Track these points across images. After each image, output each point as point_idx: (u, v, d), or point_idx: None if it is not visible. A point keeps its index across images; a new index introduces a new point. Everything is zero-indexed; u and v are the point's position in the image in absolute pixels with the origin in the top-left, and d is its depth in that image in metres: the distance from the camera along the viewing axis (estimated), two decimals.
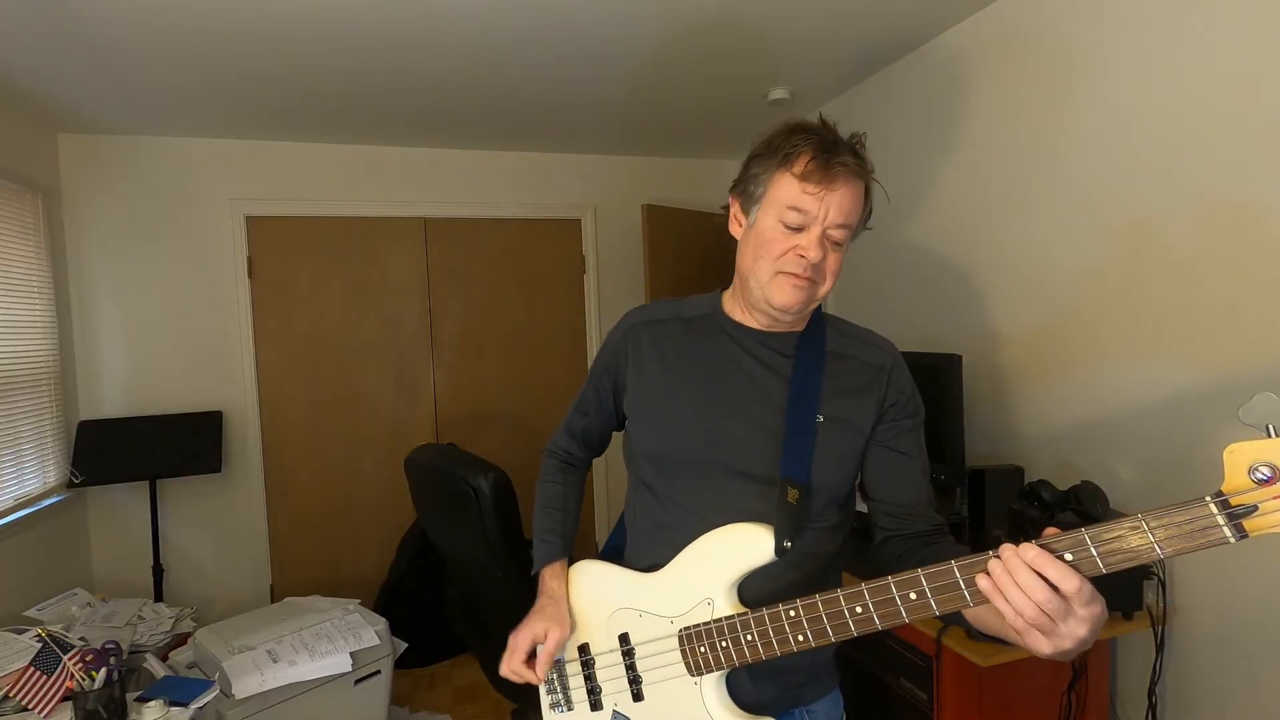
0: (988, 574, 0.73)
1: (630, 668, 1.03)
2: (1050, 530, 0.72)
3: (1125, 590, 1.62)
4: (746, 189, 1.01)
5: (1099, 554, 0.68)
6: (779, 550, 0.92)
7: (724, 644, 0.93)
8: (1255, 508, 0.61)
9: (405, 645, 2.38)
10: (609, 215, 3.76)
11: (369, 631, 2.20)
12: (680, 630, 0.98)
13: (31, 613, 2.37)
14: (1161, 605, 1.67)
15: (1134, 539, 0.66)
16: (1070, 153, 1.90)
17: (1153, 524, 0.66)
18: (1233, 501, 0.62)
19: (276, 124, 3.02)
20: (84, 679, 1.67)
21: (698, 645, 0.96)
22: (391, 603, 3.11)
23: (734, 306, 1.08)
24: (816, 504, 1.00)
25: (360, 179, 3.38)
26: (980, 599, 0.74)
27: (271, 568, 3.34)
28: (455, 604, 2.73)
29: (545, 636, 1.05)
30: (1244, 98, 1.49)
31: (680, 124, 3.22)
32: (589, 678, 1.08)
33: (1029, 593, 0.69)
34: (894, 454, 1.04)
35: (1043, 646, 0.71)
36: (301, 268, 3.35)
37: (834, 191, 0.93)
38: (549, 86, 2.68)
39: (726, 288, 1.12)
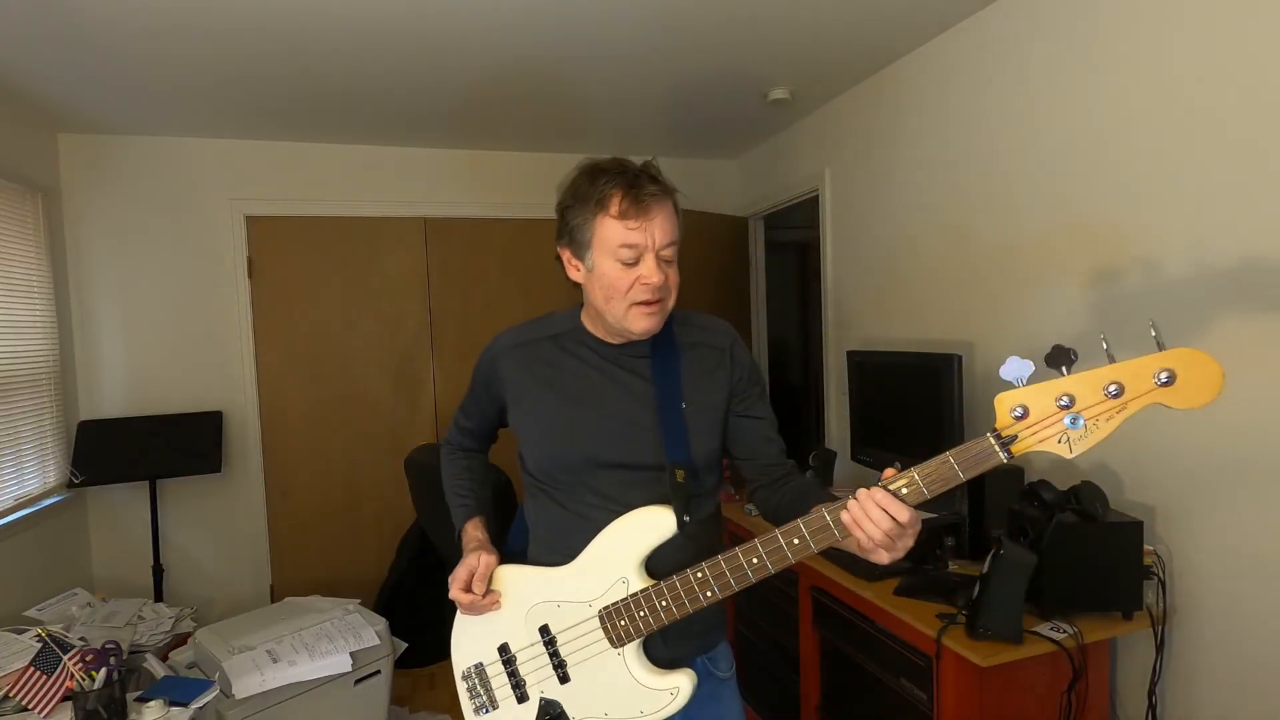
0: (848, 511, 0.93)
1: (554, 655, 1.12)
2: (888, 471, 0.93)
3: (1125, 590, 1.62)
4: (573, 238, 1.10)
5: (923, 484, 0.91)
6: (680, 524, 1.06)
7: (642, 614, 1.05)
8: (1015, 437, 0.88)
9: (405, 645, 2.38)
10: None
11: (369, 631, 2.20)
12: (600, 610, 1.08)
13: (31, 613, 2.37)
14: (1161, 605, 1.67)
15: (944, 469, 0.90)
16: (1071, 154, 1.90)
17: (955, 457, 0.89)
18: (1003, 434, 0.88)
19: (276, 124, 3.02)
20: (84, 679, 1.67)
21: (618, 620, 1.07)
22: (391, 603, 3.11)
23: (593, 326, 1.18)
24: (699, 476, 1.14)
25: (360, 179, 3.38)
26: (845, 534, 0.94)
27: (271, 568, 3.34)
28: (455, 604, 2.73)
29: (478, 563, 1.16)
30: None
31: (680, 124, 3.22)
32: (512, 674, 1.16)
33: (878, 524, 0.90)
34: (748, 419, 1.20)
35: (884, 559, 0.93)
36: (301, 268, 3.34)
37: (653, 219, 1.04)
38: (549, 86, 2.69)
39: (582, 305, 1.21)
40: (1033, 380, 0.86)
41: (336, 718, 2.13)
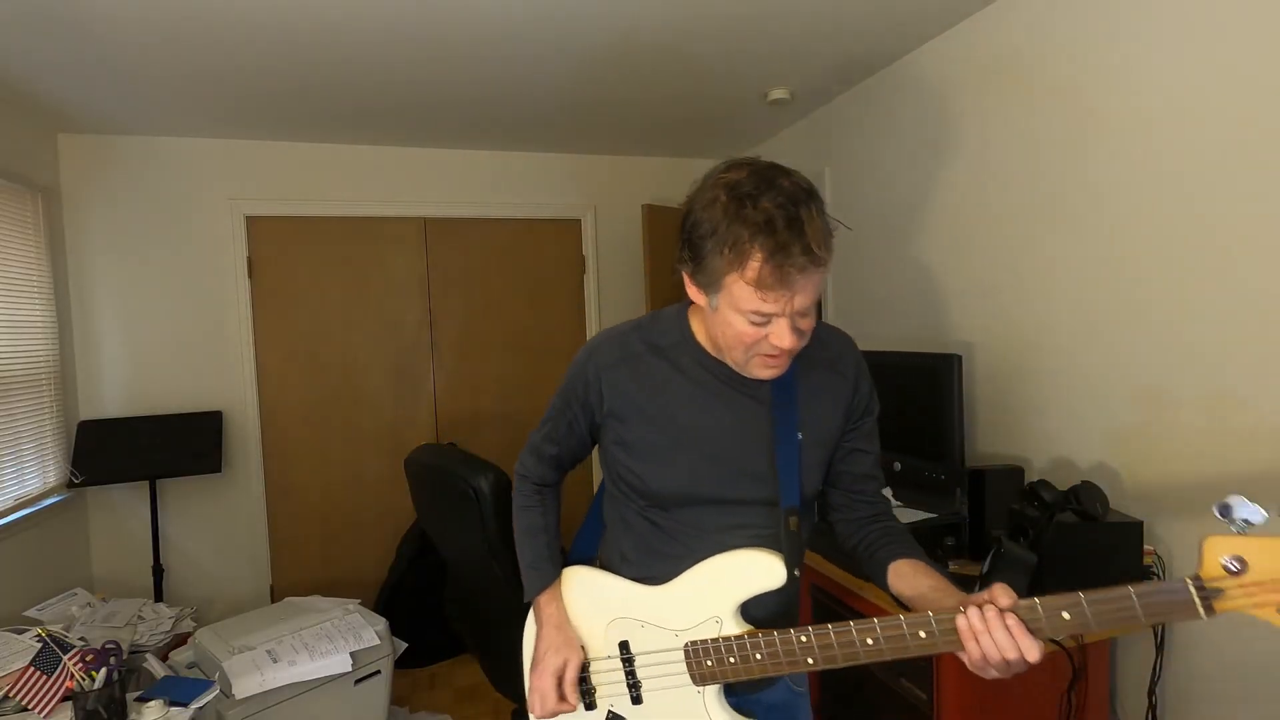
0: (968, 619, 0.82)
1: (630, 674, 1.07)
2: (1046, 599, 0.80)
3: None
4: (698, 270, 0.95)
5: (1093, 616, 0.79)
6: (790, 579, 0.99)
7: (732, 660, 0.99)
8: (1222, 592, 0.74)
9: (405, 645, 2.38)
10: (609, 215, 3.76)
11: (369, 631, 2.20)
12: (686, 644, 1.02)
13: (31, 613, 2.37)
14: None
15: (1122, 606, 0.77)
16: (1071, 155, 1.90)
17: (1140, 596, 0.77)
18: (1207, 585, 0.74)
19: (276, 124, 3.02)
20: (84, 679, 1.67)
21: (704, 659, 1.00)
22: (391, 603, 3.11)
23: (706, 339, 1.06)
24: (805, 517, 1.08)
25: (360, 179, 3.38)
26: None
27: (271, 568, 3.34)
28: (455, 604, 2.73)
29: (565, 667, 1.08)
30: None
31: (680, 124, 3.22)
32: (583, 679, 1.11)
33: (1003, 651, 0.79)
34: (856, 452, 1.12)
35: (991, 676, 0.83)
36: (301, 268, 3.34)
37: (794, 292, 0.89)
38: (549, 86, 2.68)
39: (689, 304, 1.08)
40: (1255, 530, 0.72)
41: (336, 718, 2.14)
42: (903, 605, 1.00)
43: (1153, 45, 1.67)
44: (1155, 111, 1.68)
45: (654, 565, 1.07)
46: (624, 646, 1.08)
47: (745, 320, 0.93)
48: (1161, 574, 1.67)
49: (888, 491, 2.29)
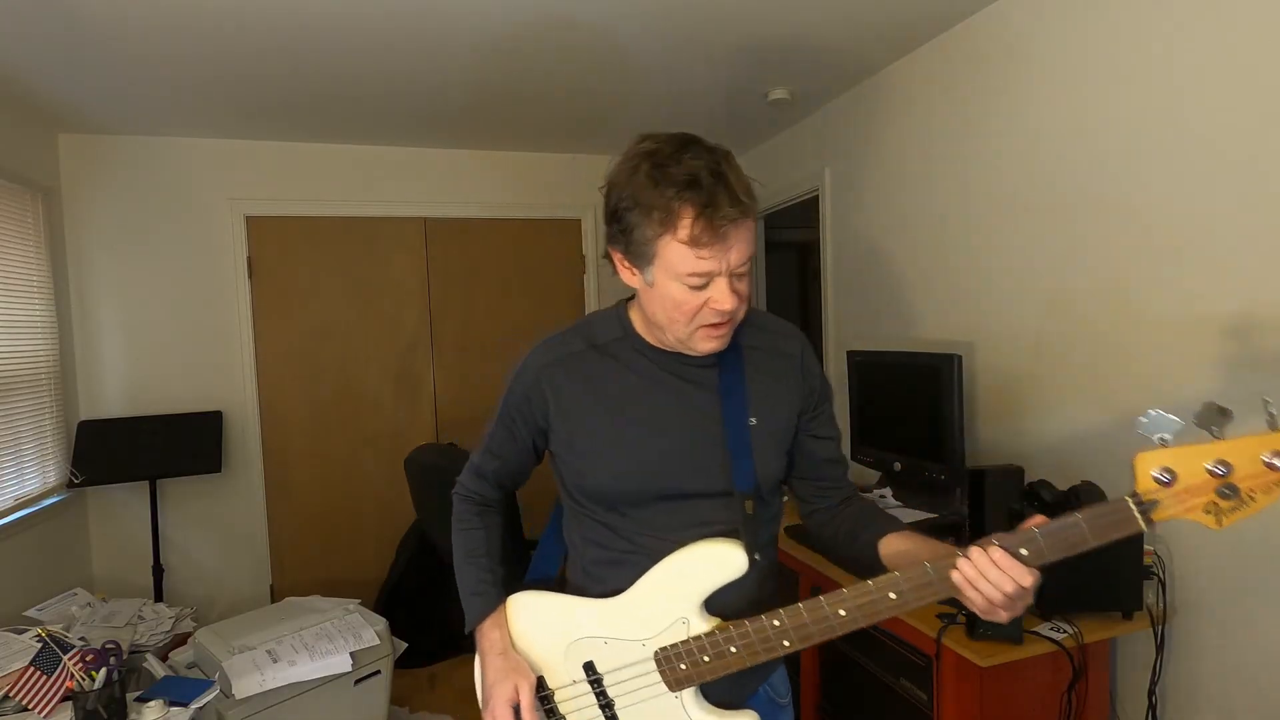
0: (960, 571, 0.83)
1: (601, 694, 1.01)
2: (1028, 522, 0.84)
3: (1125, 590, 1.62)
4: (630, 248, 0.93)
5: (1046, 547, 0.83)
6: (751, 564, 0.95)
7: (706, 658, 0.95)
8: (1158, 503, 0.80)
9: (405, 645, 2.38)
10: None
11: (369, 631, 2.20)
12: (656, 651, 0.97)
13: (31, 613, 2.37)
14: (1161, 605, 1.66)
15: (1072, 533, 0.82)
16: (1072, 155, 1.90)
17: (1087, 521, 0.82)
18: (1144, 499, 0.80)
19: (276, 124, 3.02)
20: (84, 679, 1.67)
21: (677, 663, 0.96)
22: (391, 603, 3.11)
23: (646, 330, 1.03)
24: (765, 503, 1.04)
25: (360, 179, 3.38)
26: (951, 591, 0.84)
27: (271, 568, 3.34)
28: (455, 604, 2.73)
29: (516, 692, 1.01)
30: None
31: (681, 124, 3.20)
32: (550, 712, 1.05)
33: (999, 586, 0.81)
34: (815, 439, 1.09)
35: (1003, 618, 0.84)
36: (301, 268, 3.34)
37: (729, 246, 0.89)
38: (548, 87, 2.68)
39: (628, 300, 1.07)
40: (1178, 439, 0.77)
41: (336, 718, 2.13)
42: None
43: (1152, 45, 1.67)
44: (1155, 111, 1.68)
45: (620, 577, 1.01)
46: (589, 668, 1.02)
47: (683, 287, 0.91)
48: (1162, 573, 1.67)
49: (888, 491, 2.30)
